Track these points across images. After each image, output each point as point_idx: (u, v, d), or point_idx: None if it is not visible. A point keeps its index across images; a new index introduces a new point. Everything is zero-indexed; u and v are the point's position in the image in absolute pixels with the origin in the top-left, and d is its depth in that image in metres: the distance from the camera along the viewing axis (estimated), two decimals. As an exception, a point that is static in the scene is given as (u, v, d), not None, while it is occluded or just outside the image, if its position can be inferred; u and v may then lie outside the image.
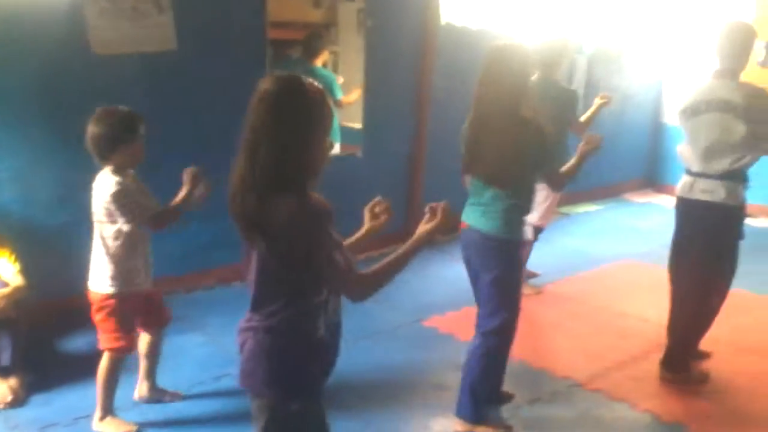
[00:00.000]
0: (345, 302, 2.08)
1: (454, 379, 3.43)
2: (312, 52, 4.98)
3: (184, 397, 3.46)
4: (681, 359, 3.84)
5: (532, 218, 4.38)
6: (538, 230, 4.84)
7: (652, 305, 4.57)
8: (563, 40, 4.69)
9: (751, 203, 7.63)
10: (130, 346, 3.19)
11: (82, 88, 4.00)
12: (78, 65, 3.98)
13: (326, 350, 2.06)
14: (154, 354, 3.40)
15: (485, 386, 3.22)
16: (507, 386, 3.55)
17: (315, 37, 4.98)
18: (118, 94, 4.02)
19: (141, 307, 3.17)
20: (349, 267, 1.92)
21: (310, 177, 1.91)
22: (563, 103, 4.47)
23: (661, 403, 3.63)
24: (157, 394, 3.43)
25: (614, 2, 7.25)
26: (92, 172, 3.37)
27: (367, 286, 1.99)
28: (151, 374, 3.42)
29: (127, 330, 3.12)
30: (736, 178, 3.58)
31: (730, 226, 3.67)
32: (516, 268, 3.16)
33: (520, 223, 3.10)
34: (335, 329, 2.08)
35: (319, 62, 5.08)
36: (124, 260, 3.03)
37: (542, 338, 4.29)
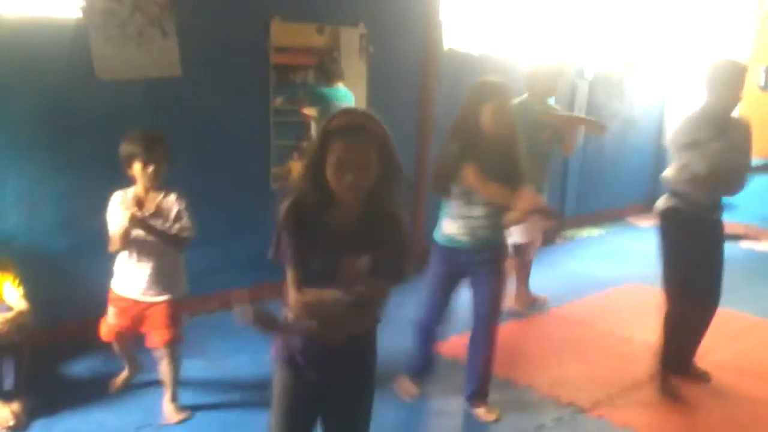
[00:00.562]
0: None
1: (458, 406, 3.41)
2: (331, 76, 5.04)
3: (186, 422, 3.43)
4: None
5: (513, 237, 4.59)
6: (522, 249, 4.88)
7: (657, 330, 4.55)
8: (554, 64, 4.75)
9: (753, 226, 7.65)
10: (107, 337, 3.49)
11: (86, 113, 4.03)
12: (82, 90, 4.00)
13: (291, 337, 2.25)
14: (163, 373, 3.45)
15: None
16: (512, 412, 3.55)
17: (332, 61, 5.03)
18: (122, 119, 4.06)
19: (128, 314, 3.39)
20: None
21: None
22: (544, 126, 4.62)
23: (665, 429, 3.61)
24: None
25: (616, 27, 7.31)
26: (96, 197, 3.39)
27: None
28: (168, 394, 3.46)
29: (109, 320, 3.45)
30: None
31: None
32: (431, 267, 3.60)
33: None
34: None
35: (340, 84, 5.11)
36: (118, 260, 3.35)
37: (547, 363, 4.27)
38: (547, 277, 5.17)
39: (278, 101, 4.82)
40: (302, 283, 2.12)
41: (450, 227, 3.47)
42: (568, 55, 6.77)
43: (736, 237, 7.26)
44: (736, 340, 4.65)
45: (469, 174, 3.30)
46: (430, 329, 3.68)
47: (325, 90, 4.98)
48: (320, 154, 2.04)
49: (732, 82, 3.65)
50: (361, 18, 5.17)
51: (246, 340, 4.25)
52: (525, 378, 4.00)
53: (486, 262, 3.46)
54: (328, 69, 5.02)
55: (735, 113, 3.83)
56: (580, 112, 7.02)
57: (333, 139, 2.03)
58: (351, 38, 5.15)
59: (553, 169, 5.15)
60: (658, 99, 8.11)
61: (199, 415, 3.49)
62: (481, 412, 3.58)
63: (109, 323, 3.47)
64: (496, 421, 3.55)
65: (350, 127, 2.05)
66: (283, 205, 2.11)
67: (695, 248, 3.82)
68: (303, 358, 2.24)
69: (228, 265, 4.64)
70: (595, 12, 6.97)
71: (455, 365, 3.91)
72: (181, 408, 3.47)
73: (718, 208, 3.87)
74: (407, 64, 5.55)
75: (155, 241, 3.28)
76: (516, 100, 4.66)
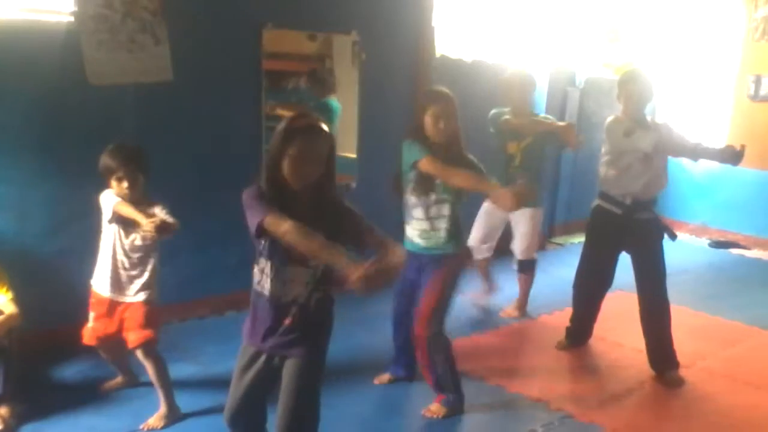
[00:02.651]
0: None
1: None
2: (328, 88, 5.06)
3: (176, 427, 3.42)
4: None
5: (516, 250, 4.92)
6: (525, 265, 5.03)
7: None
8: (524, 74, 4.80)
9: (743, 234, 7.71)
10: (89, 341, 3.48)
11: (77, 117, 4.03)
12: (73, 95, 3.99)
13: (254, 308, 2.54)
14: (149, 376, 3.43)
15: None
16: (503, 417, 3.55)
17: (328, 73, 5.06)
18: (113, 124, 4.06)
19: (107, 316, 3.40)
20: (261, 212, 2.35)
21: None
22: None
23: (656, 434, 3.62)
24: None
25: (606, 34, 7.36)
26: (86, 202, 3.39)
27: (268, 225, 2.33)
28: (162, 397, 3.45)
29: (89, 324, 3.46)
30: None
31: None
32: None
33: None
34: (259, 300, 2.51)
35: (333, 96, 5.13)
36: (100, 257, 3.39)
37: (537, 369, 4.28)
38: (536, 283, 5.17)
39: (269, 107, 4.83)
40: (264, 258, 2.46)
41: (407, 230, 3.59)
42: (559, 62, 6.82)
43: (726, 245, 7.31)
44: (727, 348, 4.67)
45: (426, 163, 3.37)
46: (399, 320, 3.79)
47: (332, 102, 5.04)
48: (282, 147, 2.36)
49: (632, 91, 4.06)
50: (354, 25, 5.18)
51: (237, 345, 4.25)
52: (515, 384, 4.01)
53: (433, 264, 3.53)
54: (324, 80, 5.04)
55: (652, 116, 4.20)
56: (571, 119, 7.06)
57: (298, 136, 2.36)
58: (343, 45, 5.17)
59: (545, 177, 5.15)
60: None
61: (190, 420, 3.48)
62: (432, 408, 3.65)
63: (89, 327, 3.47)
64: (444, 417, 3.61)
65: (314, 127, 2.41)
66: (250, 188, 2.43)
67: (608, 244, 4.26)
68: (265, 329, 2.51)
69: (219, 270, 4.64)
70: (586, 19, 7.01)
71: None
72: (169, 413, 3.44)
73: (643, 207, 4.09)
74: (399, 71, 5.57)
75: (144, 245, 3.32)
76: (492, 111, 4.76)
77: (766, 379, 4.26)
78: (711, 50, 7.65)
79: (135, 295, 3.37)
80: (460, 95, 3.49)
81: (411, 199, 3.53)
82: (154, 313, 3.42)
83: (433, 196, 3.47)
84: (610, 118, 4.18)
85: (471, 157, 3.48)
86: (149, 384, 3.53)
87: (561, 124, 4.77)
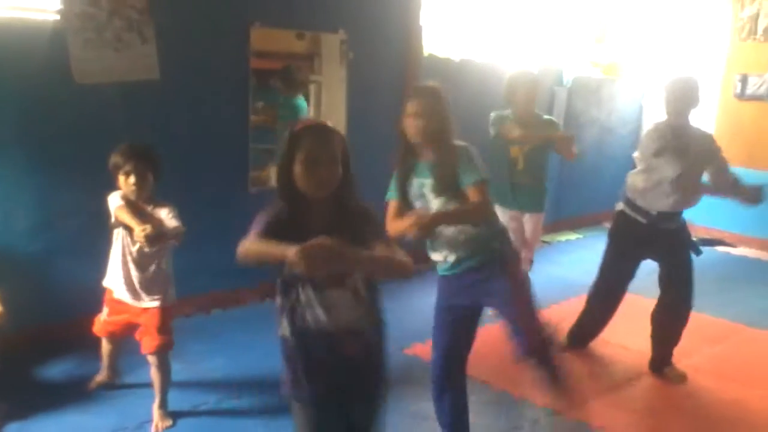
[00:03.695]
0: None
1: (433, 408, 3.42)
2: (296, 86, 5.03)
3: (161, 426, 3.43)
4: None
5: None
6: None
7: (633, 333, 4.59)
8: (532, 74, 4.75)
9: (729, 232, 7.75)
10: (100, 333, 3.54)
11: (63, 116, 4.01)
12: (59, 94, 3.98)
13: (292, 353, 2.18)
14: (153, 378, 3.44)
15: None
16: (489, 414, 3.55)
17: (296, 71, 5.02)
18: (99, 123, 4.05)
19: (122, 317, 3.43)
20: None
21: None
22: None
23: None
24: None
25: (593, 34, 7.39)
26: (73, 200, 3.39)
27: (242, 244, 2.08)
28: (157, 400, 3.44)
29: (102, 317, 3.51)
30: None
31: None
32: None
33: None
34: (308, 337, 2.15)
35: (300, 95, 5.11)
36: (112, 260, 3.39)
37: (524, 367, 4.27)
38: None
39: (258, 106, 4.83)
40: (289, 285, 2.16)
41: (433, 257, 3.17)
42: (547, 61, 6.84)
43: (712, 242, 7.35)
44: (712, 344, 4.70)
45: (388, 213, 3.09)
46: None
47: (298, 101, 5.02)
48: (289, 156, 2.11)
49: (685, 97, 3.89)
50: (342, 24, 5.19)
51: (223, 344, 4.27)
52: (501, 381, 4.02)
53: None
54: (294, 79, 5.01)
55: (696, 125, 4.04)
56: (558, 118, 7.07)
57: (301, 139, 2.11)
58: (331, 44, 5.17)
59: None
60: (635, 107, 8.19)
61: (176, 419, 3.47)
62: None
63: (102, 321, 3.49)
64: None
65: (315, 126, 2.20)
66: (261, 215, 2.15)
67: (632, 251, 4.16)
68: (306, 373, 2.19)
69: (205, 268, 4.62)
70: (574, 18, 7.04)
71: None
72: (169, 414, 3.45)
73: (669, 219, 4.00)
74: (387, 70, 5.57)
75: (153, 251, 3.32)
76: (493, 114, 4.69)
77: (750, 375, 4.29)
78: (697, 49, 7.69)
79: (150, 300, 3.38)
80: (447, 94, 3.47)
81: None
82: (169, 316, 3.45)
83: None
84: (650, 126, 4.06)
85: (464, 148, 3.01)
86: (132, 385, 3.53)
87: (560, 134, 4.68)
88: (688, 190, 3.92)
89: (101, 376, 3.72)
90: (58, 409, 3.47)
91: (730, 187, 3.96)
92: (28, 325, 3.86)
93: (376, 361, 2.29)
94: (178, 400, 3.60)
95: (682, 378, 4.13)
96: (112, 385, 3.71)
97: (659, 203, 3.96)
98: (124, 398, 3.62)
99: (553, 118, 5.00)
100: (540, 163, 4.76)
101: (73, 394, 3.62)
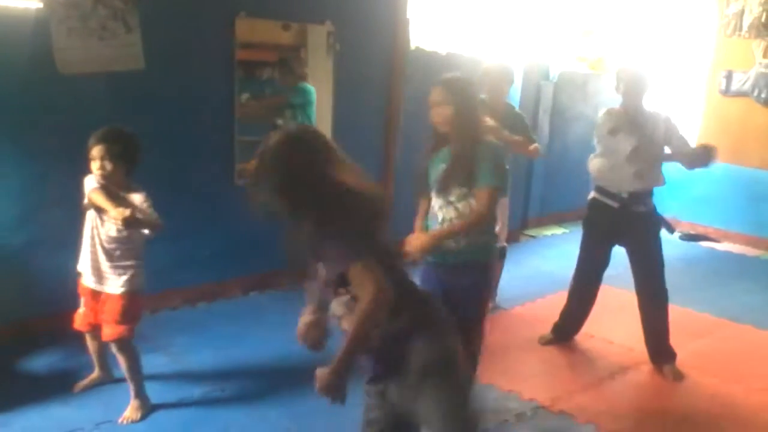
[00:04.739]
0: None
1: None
2: (299, 75, 5.05)
3: (147, 418, 3.39)
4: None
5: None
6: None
7: (618, 327, 4.62)
8: (503, 66, 4.76)
9: (713, 227, 7.79)
10: (80, 327, 3.46)
11: (46, 106, 3.97)
12: (43, 84, 3.93)
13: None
14: (123, 368, 3.40)
15: None
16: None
17: (297, 63, 5.04)
18: (83, 113, 4.00)
19: (90, 305, 3.39)
20: None
21: None
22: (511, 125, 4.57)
23: (626, 425, 3.65)
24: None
25: (580, 28, 7.40)
26: (56, 192, 3.35)
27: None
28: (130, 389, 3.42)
29: (80, 310, 3.44)
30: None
31: None
32: None
33: None
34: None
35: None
36: (83, 244, 3.34)
37: (509, 361, 4.30)
38: (510, 274, 5.19)
39: (244, 97, 4.80)
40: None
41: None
42: (533, 56, 6.84)
43: (697, 238, 7.39)
44: (697, 340, 4.72)
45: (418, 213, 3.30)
46: None
47: (307, 86, 5.07)
48: (317, 158, 2.17)
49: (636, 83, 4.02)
50: (328, 16, 5.15)
51: (209, 336, 4.25)
52: (486, 375, 4.02)
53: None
54: (293, 69, 5.02)
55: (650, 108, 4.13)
56: (545, 113, 7.10)
57: (321, 138, 2.26)
58: (318, 36, 5.14)
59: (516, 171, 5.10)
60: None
61: (161, 411, 3.46)
62: None
63: (80, 313, 3.44)
64: None
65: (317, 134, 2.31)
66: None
67: (605, 237, 4.20)
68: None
69: (191, 261, 4.60)
70: (560, 13, 7.04)
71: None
72: (144, 406, 3.42)
73: (639, 200, 4.05)
74: (374, 63, 5.55)
75: (122, 235, 3.26)
76: None
77: (733, 371, 4.31)
78: (683, 45, 7.72)
79: (114, 287, 3.31)
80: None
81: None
82: (133, 306, 3.36)
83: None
84: (602, 111, 4.14)
85: (490, 148, 3.08)
86: (117, 378, 3.50)
87: (516, 139, 4.64)
88: (648, 162, 3.98)
89: (94, 375, 3.66)
90: (41, 402, 3.44)
91: (672, 156, 4.06)
92: (11, 318, 3.83)
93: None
94: (163, 392, 3.58)
95: (678, 376, 4.14)
96: (107, 380, 3.68)
97: (625, 183, 4.02)
98: (108, 391, 3.60)
99: (521, 112, 4.99)
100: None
101: (57, 386, 3.59)
